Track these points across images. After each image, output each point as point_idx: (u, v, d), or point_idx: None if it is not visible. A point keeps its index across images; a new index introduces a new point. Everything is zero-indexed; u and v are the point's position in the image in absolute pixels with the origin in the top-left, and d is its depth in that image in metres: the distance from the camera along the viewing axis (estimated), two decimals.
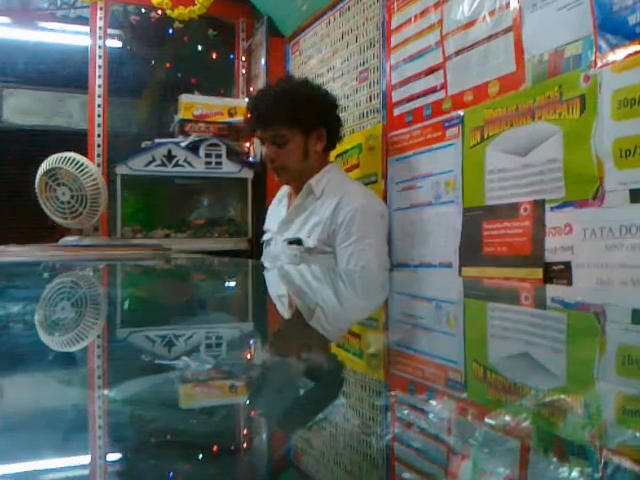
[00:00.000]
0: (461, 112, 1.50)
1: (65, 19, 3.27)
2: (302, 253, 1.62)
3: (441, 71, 1.58)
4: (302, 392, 0.36)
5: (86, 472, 0.23)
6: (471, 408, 0.32)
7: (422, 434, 0.26)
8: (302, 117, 1.64)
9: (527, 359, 0.46)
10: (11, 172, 3.37)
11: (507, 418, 0.28)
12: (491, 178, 1.39)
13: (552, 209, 1.24)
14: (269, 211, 1.92)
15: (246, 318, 0.72)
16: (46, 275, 1.34)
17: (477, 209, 1.44)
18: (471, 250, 1.45)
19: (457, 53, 1.52)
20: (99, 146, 2.62)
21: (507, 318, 0.70)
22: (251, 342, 0.55)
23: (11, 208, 3.30)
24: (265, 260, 1.81)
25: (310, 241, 1.62)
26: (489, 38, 1.42)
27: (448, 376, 0.40)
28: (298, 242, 1.64)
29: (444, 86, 1.57)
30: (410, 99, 1.72)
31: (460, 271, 1.49)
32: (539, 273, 1.25)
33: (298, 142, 1.65)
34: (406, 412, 0.30)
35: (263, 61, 2.67)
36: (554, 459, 0.24)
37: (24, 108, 3.88)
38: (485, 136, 1.42)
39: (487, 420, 0.28)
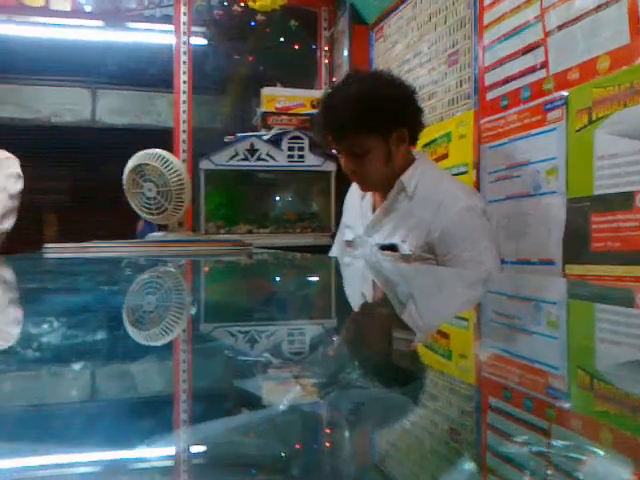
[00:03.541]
0: (565, 92, 1.35)
1: (152, 18, 3.33)
2: (397, 260, 1.46)
3: (541, 48, 1.44)
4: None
5: None
6: None
7: None
8: (379, 122, 1.44)
9: None
10: (104, 170, 3.49)
11: None
12: (601, 165, 1.25)
13: None
14: (348, 203, 1.76)
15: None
16: (129, 272, 1.33)
17: (584, 199, 1.29)
18: (577, 246, 1.31)
19: (560, 27, 1.37)
20: (184, 142, 2.65)
21: None
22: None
23: (104, 205, 3.42)
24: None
25: (406, 247, 1.45)
26: (597, 8, 1.27)
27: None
28: (392, 248, 1.49)
29: (545, 64, 1.43)
30: (505, 81, 1.58)
31: (564, 269, 1.35)
32: None
33: (379, 150, 1.46)
34: None
35: (346, 50, 2.59)
36: None
37: (115, 108, 4.02)
38: (594, 118, 1.27)
39: None
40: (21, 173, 2.18)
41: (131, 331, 0.52)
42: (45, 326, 0.52)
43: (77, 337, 0.47)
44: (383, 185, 1.53)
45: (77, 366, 0.38)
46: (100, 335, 0.49)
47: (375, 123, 1.44)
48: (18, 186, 2.17)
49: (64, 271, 1.28)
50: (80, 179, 3.93)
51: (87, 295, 0.76)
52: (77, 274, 1.17)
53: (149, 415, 0.28)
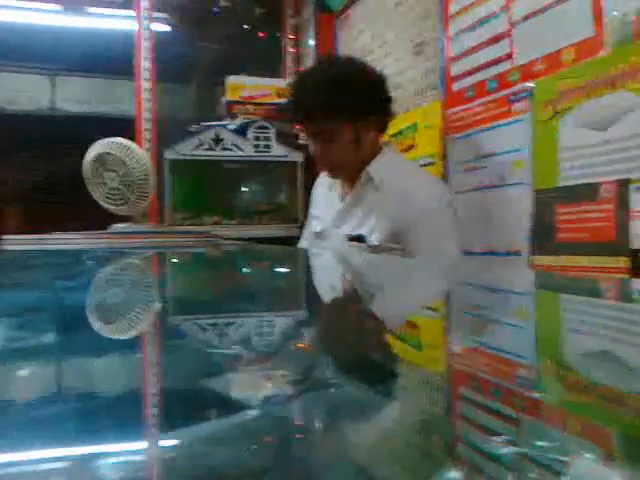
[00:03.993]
0: (531, 84, 1.36)
1: (112, 4, 3.24)
2: (365, 251, 1.47)
3: (507, 39, 1.44)
4: None
5: None
6: None
7: None
8: (349, 107, 1.44)
9: None
10: (63, 159, 3.39)
11: None
12: (566, 156, 1.26)
13: (638, 189, 1.11)
14: (317, 193, 1.75)
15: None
16: (90, 264, 1.30)
17: (550, 191, 1.30)
18: (543, 237, 1.32)
19: (525, 18, 1.38)
20: (147, 131, 2.59)
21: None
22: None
23: (67, 196, 3.34)
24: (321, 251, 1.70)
25: (373, 238, 1.46)
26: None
27: None
28: (360, 239, 1.49)
29: (510, 56, 1.44)
30: (471, 72, 1.58)
31: (530, 259, 1.36)
32: (624, 262, 1.12)
33: (348, 134, 1.46)
34: None
35: (312, 39, 2.56)
36: None
37: (75, 96, 3.91)
38: (559, 109, 1.28)
39: None
40: None
41: (79, 331, 0.50)
42: None
43: (18, 340, 0.44)
44: (350, 171, 1.53)
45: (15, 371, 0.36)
46: (44, 338, 0.46)
47: (345, 106, 1.44)
48: None
49: (17, 265, 1.24)
50: (40, 169, 3.82)
51: (36, 292, 0.73)
52: (31, 267, 1.13)
53: (105, 422, 0.27)
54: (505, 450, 0.23)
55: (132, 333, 0.50)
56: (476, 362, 0.41)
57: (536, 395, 0.33)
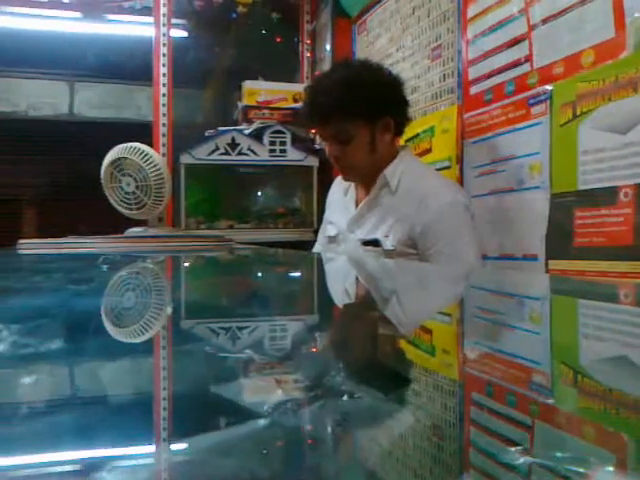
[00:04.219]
0: (549, 87, 1.34)
1: (131, 10, 3.27)
2: (380, 255, 1.44)
3: (526, 42, 1.43)
4: None
5: None
6: None
7: None
8: (365, 108, 1.44)
9: None
10: (83, 164, 3.42)
11: None
12: (585, 160, 1.24)
13: None
14: (331, 198, 1.74)
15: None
16: (105, 268, 1.30)
17: (568, 194, 1.28)
18: (560, 241, 1.30)
19: (544, 21, 1.36)
20: (164, 136, 2.60)
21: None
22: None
23: (82, 200, 3.36)
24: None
25: (389, 242, 1.44)
26: (582, 1, 1.26)
27: None
28: (375, 243, 1.47)
29: (529, 58, 1.42)
30: (489, 75, 1.57)
31: (547, 264, 1.34)
32: None
33: (364, 136, 1.45)
34: None
35: (328, 43, 2.56)
36: None
37: (94, 101, 3.95)
38: (578, 113, 1.26)
39: None
40: None
41: (94, 338, 0.49)
42: None
43: (29, 346, 0.44)
44: (366, 174, 1.52)
45: (27, 377, 0.36)
46: (57, 344, 0.46)
47: (361, 108, 1.44)
48: None
49: (33, 269, 1.24)
50: (59, 173, 3.86)
51: (50, 297, 0.72)
52: (45, 272, 1.13)
53: (115, 430, 0.26)
54: (522, 460, 0.22)
55: (143, 337, 0.50)
56: (491, 368, 0.39)
57: (552, 402, 0.31)
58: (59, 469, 0.22)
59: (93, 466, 0.21)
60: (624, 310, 0.66)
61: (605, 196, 1.19)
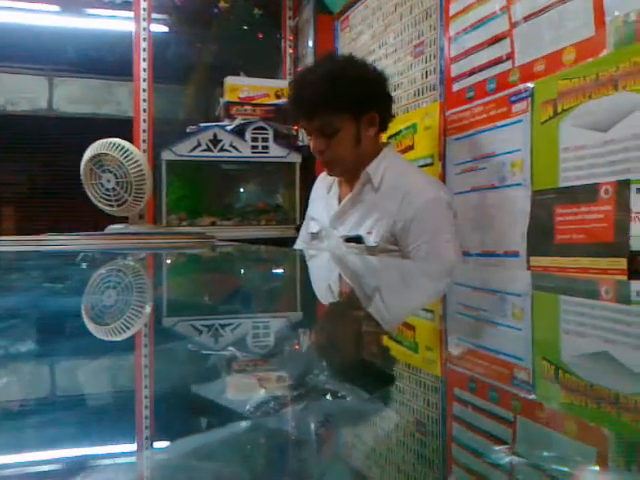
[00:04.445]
0: (531, 84, 1.35)
1: (111, 4, 3.23)
2: (362, 252, 1.45)
3: (507, 40, 1.43)
4: None
5: None
6: None
7: None
8: (350, 101, 1.44)
9: None
10: (63, 160, 3.38)
11: None
12: (566, 157, 1.25)
13: (638, 190, 1.09)
14: (314, 195, 1.74)
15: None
16: (83, 266, 1.28)
17: (549, 192, 1.29)
18: (542, 238, 1.31)
19: (526, 18, 1.37)
20: (145, 132, 2.58)
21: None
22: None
23: (62, 197, 3.32)
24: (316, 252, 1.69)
25: (371, 239, 1.45)
26: (564, 0, 1.27)
27: None
28: (357, 240, 1.47)
29: (511, 56, 1.42)
30: (471, 73, 1.57)
31: (528, 261, 1.35)
32: (623, 263, 1.10)
33: (349, 130, 1.46)
34: None
35: (311, 40, 2.55)
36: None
37: (74, 97, 3.90)
38: (559, 110, 1.27)
39: None
40: None
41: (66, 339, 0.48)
42: None
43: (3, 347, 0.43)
44: (350, 169, 1.52)
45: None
46: (30, 344, 0.45)
47: (346, 102, 1.44)
48: None
49: (9, 267, 1.22)
50: (38, 170, 3.81)
51: (25, 296, 0.71)
52: (22, 270, 1.11)
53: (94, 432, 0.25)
54: (507, 459, 0.21)
55: (122, 336, 0.49)
56: (474, 365, 0.39)
57: (534, 398, 0.31)
58: (33, 469, 0.21)
59: (68, 470, 0.20)
60: (604, 306, 0.67)
61: (586, 193, 1.20)
